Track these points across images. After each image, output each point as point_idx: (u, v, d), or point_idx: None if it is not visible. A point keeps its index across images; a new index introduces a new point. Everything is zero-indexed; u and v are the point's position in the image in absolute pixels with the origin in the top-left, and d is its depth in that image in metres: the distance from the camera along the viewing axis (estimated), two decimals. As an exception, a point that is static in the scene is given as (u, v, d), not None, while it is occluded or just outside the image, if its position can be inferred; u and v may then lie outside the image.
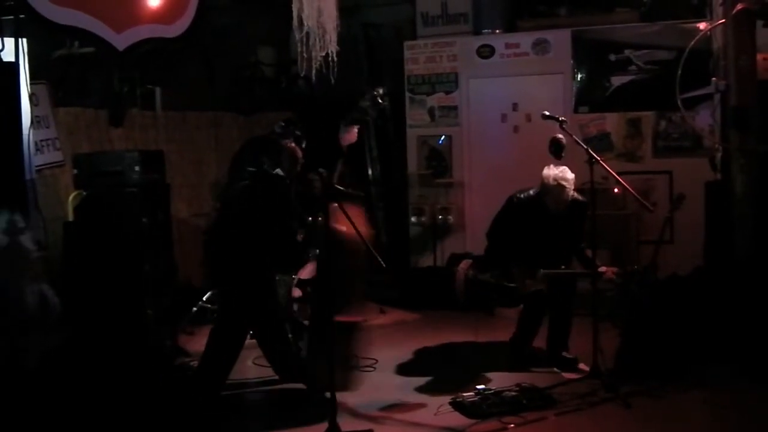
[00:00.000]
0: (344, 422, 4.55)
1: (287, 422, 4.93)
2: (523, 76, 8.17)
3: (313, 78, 6.23)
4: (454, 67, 8.44)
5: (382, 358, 6.03)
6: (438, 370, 5.93)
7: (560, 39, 8.04)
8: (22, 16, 5.01)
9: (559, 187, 5.64)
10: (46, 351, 4.60)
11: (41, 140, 6.27)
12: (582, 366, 5.66)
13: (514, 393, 5.02)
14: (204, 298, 7.04)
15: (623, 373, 5.37)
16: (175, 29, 5.81)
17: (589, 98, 8.03)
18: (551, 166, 5.71)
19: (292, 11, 5.83)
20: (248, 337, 5.35)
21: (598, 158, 5.40)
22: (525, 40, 8.18)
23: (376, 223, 6.29)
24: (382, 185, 8.69)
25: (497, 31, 8.39)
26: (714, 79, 6.59)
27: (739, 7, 6.09)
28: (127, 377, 4.77)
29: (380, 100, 5.53)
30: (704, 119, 7.29)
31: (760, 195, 6.13)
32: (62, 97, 7.05)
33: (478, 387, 5.12)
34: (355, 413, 4.99)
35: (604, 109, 7.96)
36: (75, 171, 6.32)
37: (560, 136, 5.65)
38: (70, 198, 6.48)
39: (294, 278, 5.41)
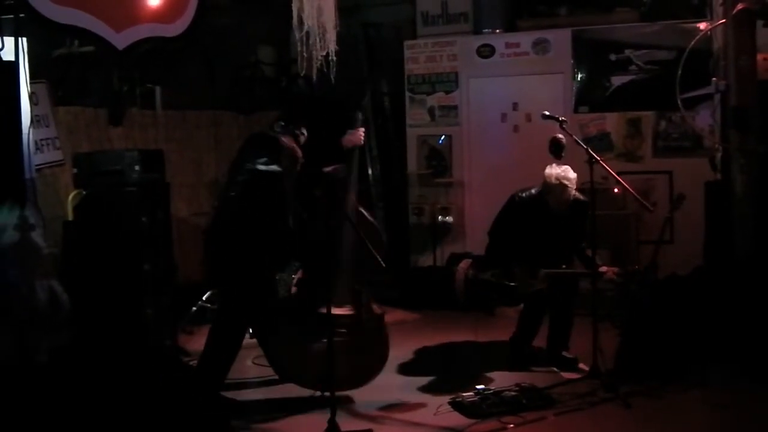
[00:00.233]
0: (344, 422, 4.55)
1: (287, 422, 4.93)
2: (523, 75, 8.17)
3: (314, 77, 6.22)
4: (454, 66, 8.43)
5: (382, 358, 6.03)
6: (438, 370, 5.93)
7: (560, 39, 8.04)
8: (22, 15, 5.00)
9: (561, 186, 5.64)
10: (55, 347, 4.60)
11: (41, 139, 6.26)
12: (582, 366, 5.66)
13: (513, 393, 5.02)
14: (204, 298, 7.04)
15: (623, 373, 5.36)
16: (175, 28, 5.80)
17: (589, 98, 8.03)
18: (553, 165, 5.71)
19: (292, 11, 5.81)
20: (248, 336, 5.35)
21: (598, 158, 5.40)
22: (525, 39, 8.17)
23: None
24: (382, 185, 8.70)
25: (497, 30, 8.38)
26: (714, 79, 6.60)
27: (739, 7, 6.09)
28: (127, 377, 4.76)
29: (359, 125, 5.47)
30: (704, 119, 7.29)
31: (760, 195, 6.14)
32: (62, 96, 7.04)
33: (478, 387, 5.11)
34: (354, 413, 4.99)
35: (604, 109, 7.96)
36: (75, 170, 6.30)
37: (560, 135, 5.66)
38: (70, 197, 6.46)
39: (294, 278, 5.40)
